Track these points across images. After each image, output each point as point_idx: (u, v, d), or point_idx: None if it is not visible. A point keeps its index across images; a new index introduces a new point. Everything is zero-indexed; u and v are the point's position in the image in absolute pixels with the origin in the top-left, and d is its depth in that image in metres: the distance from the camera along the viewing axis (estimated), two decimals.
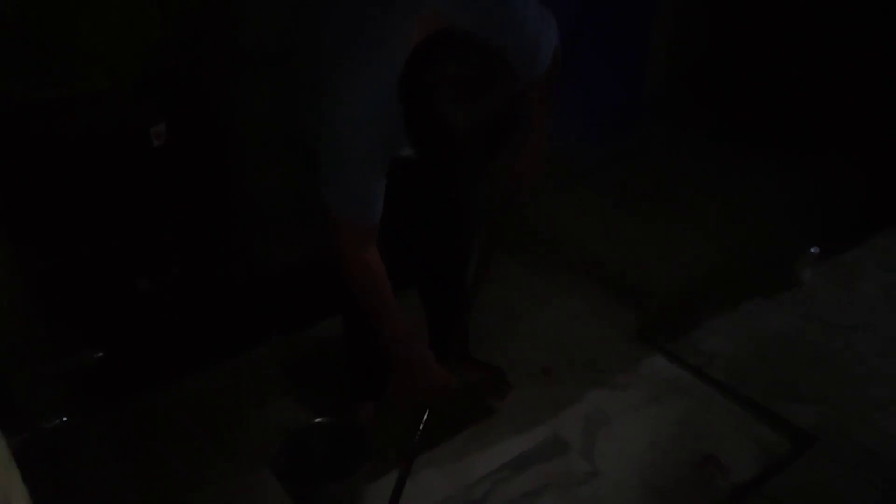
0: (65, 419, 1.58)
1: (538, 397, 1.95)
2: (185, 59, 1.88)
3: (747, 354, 2.09)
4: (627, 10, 2.69)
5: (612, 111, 2.76)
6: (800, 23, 2.69)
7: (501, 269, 1.83)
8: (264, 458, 1.51)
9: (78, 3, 1.70)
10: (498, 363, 2.01)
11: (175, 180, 1.80)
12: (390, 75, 1.13)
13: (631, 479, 1.72)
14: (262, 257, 2.09)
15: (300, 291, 2.09)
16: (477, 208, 1.72)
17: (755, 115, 2.82)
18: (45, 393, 1.63)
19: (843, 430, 1.81)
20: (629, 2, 2.69)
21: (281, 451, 1.53)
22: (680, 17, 2.94)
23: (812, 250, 2.38)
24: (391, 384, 1.66)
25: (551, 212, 1.71)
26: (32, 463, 1.52)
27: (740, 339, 2.16)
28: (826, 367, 2.04)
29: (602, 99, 2.50)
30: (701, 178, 2.77)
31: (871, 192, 2.65)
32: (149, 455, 1.78)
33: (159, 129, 1.65)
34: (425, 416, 1.51)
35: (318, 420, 1.64)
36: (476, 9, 1.22)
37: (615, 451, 1.79)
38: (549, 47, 1.38)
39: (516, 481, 1.72)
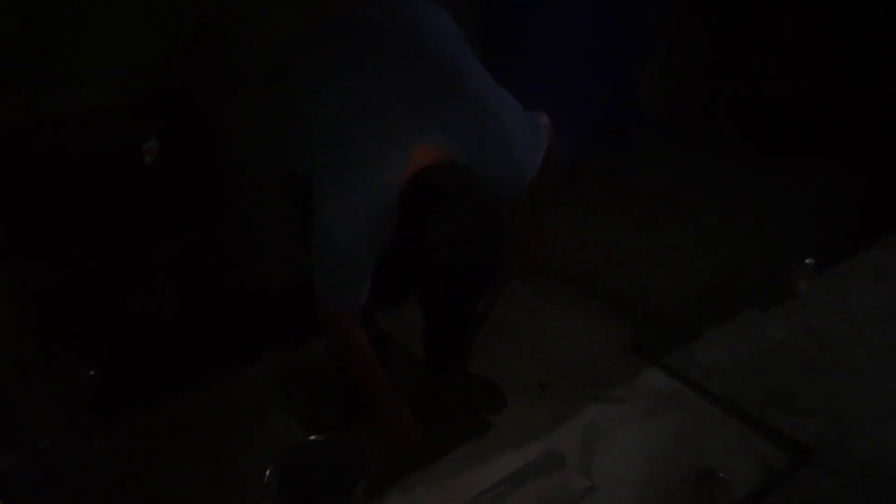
0: (53, 440, 1.55)
1: (534, 412, 1.93)
2: (180, 77, 1.88)
3: (745, 367, 2.08)
4: (623, 24, 2.70)
5: (607, 126, 2.75)
6: (796, 38, 2.70)
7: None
8: (263, 478, 1.49)
9: (73, 22, 1.70)
10: (493, 378, 1.99)
11: (167, 198, 1.79)
12: (384, 193, 1.23)
13: (628, 494, 1.71)
14: (257, 273, 2.07)
15: (295, 307, 2.00)
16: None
17: (750, 129, 2.82)
18: (37, 413, 1.61)
19: (842, 444, 1.80)
20: (625, 17, 2.70)
21: (275, 471, 1.50)
22: (675, 32, 2.95)
23: (808, 262, 2.38)
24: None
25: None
26: (24, 483, 1.54)
27: (737, 351, 2.14)
28: (823, 380, 2.03)
29: (596, 114, 2.49)
30: (696, 191, 2.76)
31: (866, 204, 2.65)
32: (142, 477, 1.75)
33: (151, 145, 1.65)
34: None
35: (314, 437, 1.61)
36: (469, 144, 1.30)
37: (613, 465, 1.78)
38: (537, 160, 1.45)
39: (514, 497, 1.70)
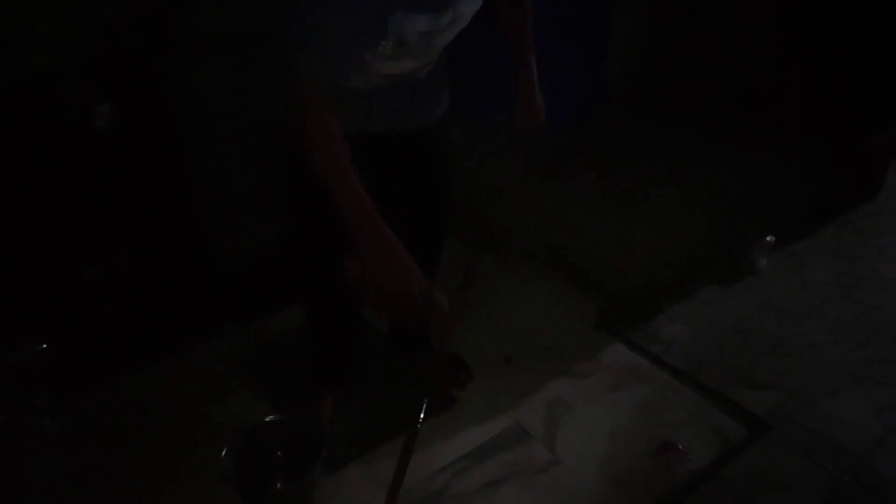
0: (5, 417, 1.49)
1: (499, 387, 1.93)
2: (136, 39, 1.78)
3: (705, 342, 2.12)
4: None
5: (574, 100, 2.73)
6: (761, 15, 2.70)
7: (460, 258, 1.77)
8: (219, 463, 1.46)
9: None
10: (458, 352, 1.97)
11: (122, 165, 1.71)
12: None
13: (591, 466, 1.73)
14: (218, 245, 2.00)
15: (257, 280, 2.02)
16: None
17: (715, 106, 2.80)
18: None
19: (797, 416, 1.85)
20: None
21: (229, 452, 1.46)
22: (643, 5, 2.93)
23: (768, 239, 2.42)
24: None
25: (511, 201, 1.66)
26: None
27: (698, 326, 2.18)
28: (780, 355, 2.07)
29: (564, 87, 2.29)
30: (661, 167, 2.75)
31: (825, 183, 2.69)
32: (95, 458, 1.69)
33: (104, 110, 1.56)
34: (425, 403, 1.47)
35: (269, 418, 1.57)
36: None
37: (576, 439, 1.80)
38: None
39: (477, 471, 1.71)
